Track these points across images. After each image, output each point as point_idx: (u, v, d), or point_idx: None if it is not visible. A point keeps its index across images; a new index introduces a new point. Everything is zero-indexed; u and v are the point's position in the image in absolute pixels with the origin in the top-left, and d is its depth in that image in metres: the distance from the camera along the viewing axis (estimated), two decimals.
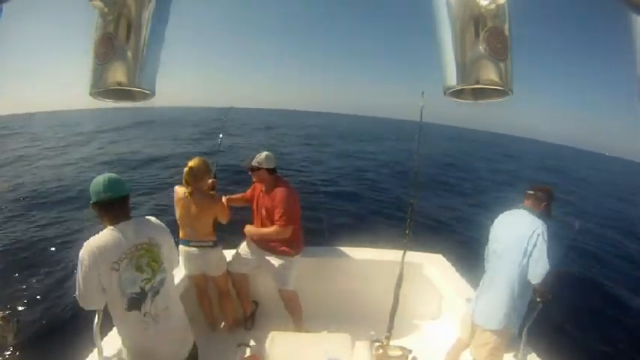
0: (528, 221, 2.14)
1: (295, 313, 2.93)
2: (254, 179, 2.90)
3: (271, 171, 2.81)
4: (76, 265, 1.58)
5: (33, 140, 21.91)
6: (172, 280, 1.85)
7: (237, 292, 3.09)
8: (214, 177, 2.98)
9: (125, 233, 1.60)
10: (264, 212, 2.85)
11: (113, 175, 1.67)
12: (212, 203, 2.73)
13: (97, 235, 1.59)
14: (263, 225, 2.89)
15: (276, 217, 2.75)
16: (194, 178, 2.65)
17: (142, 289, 1.61)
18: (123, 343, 1.72)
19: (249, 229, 2.94)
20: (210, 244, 2.77)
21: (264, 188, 2.88)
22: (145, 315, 1.63)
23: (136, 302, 1.60)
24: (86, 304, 1.62)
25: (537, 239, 2.05)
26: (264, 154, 2.79)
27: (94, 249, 1.54)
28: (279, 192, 2.76)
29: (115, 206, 1.63)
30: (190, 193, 2.65)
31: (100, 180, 1.62)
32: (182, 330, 1.83)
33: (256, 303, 3.20)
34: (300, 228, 2.92)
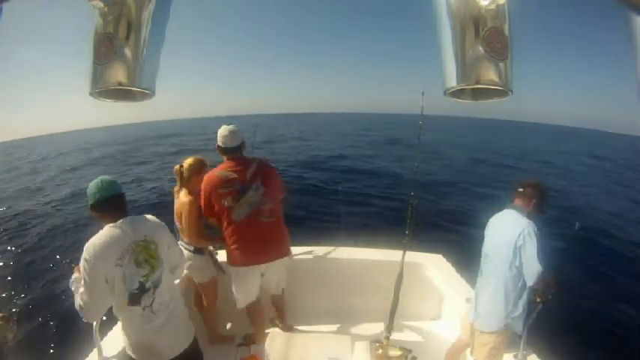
0: (515, 222, 2.12)
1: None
2: None
3: (226, 150, 2.38)
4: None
5: None
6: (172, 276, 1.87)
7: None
8: None
9: (124, 230, 1.62)
10: None
11: (105, 177, 1.70)
12: (189, 204, 2.46)
13: (97, 234, 1.59)
14: None
15: None
16: (182, 178, 2.53)
17: (141, 283, 1.63)
18: (126, 336, 1.74)
19: None
20: (192, 248, 2.56)
21: None
22: (144, 309, 1.65)
23: (135, 297, 1.63)
24: (92, 314, 1.62)
25: (524, 240, 2.03)
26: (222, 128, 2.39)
27: (97, 247, 1.55)
28: None
29: (111, 205, 1.66)
30: (177, 193, 2.54)
31: (93, 183, 1.66)
32: (182, 323, 1.85)
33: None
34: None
